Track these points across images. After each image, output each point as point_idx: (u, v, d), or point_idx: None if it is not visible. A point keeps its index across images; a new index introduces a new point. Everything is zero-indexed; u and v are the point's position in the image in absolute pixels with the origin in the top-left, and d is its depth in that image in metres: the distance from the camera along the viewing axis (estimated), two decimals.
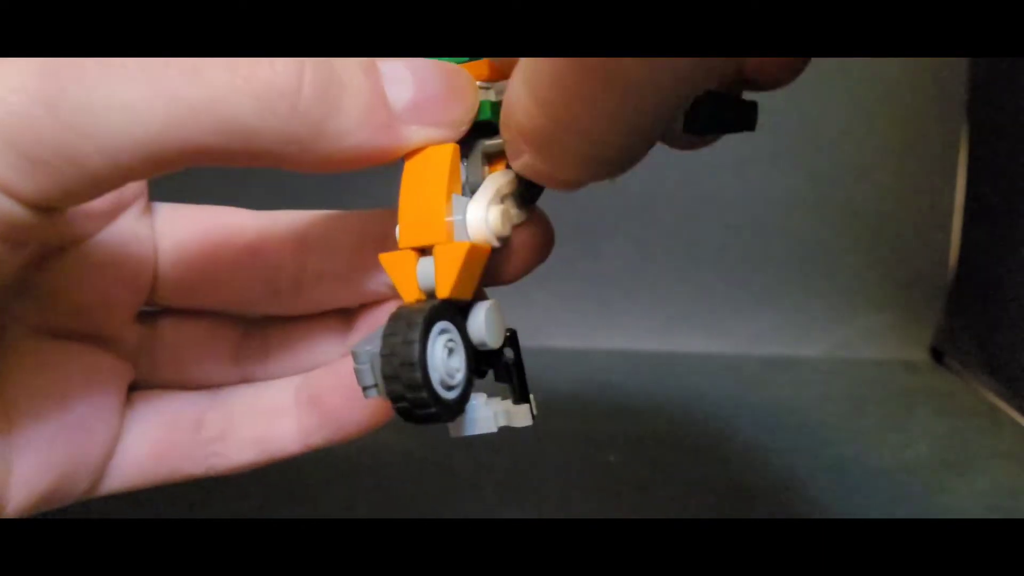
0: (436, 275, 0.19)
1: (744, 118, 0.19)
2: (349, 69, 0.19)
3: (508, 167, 0.20)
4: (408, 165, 0.19)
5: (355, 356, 0.18)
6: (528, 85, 0.17)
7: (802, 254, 0.58)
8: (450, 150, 0.19)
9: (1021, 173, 0.49)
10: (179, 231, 0.23)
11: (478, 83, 0.20)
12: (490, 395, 0.20)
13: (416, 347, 0.17)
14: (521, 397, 0.20)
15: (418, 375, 0.17)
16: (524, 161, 0.18)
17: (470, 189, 0.20)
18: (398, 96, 0.19)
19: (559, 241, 0.21)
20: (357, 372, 0.18)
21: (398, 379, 0.17)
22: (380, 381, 0.18)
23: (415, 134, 0.19)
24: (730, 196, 0.57)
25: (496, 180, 0.20)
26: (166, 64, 0.17)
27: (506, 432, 0.20)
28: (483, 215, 0.19)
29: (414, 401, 0.17)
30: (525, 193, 0.21)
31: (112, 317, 0.23)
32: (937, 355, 0.57)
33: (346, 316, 0.26)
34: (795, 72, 0.21)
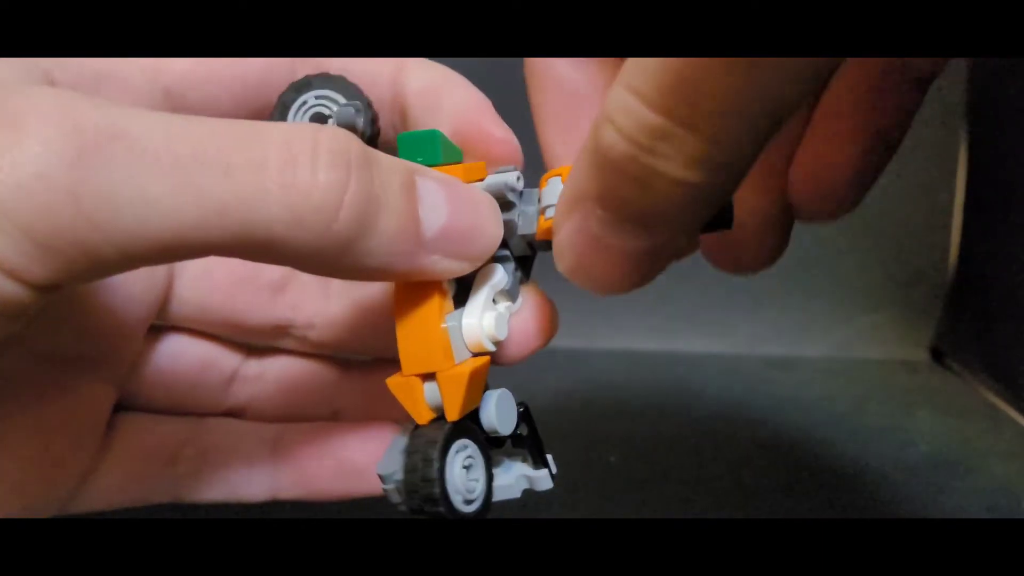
0: (444, 401, 0.19)
1: (725, 218, 0.20)
2: (390, 185, 0.18)
3: (495, 258, 0.21)
4: (398, 290, 0.20)
5: (382, 479, 0.20)
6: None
7: (802, 254, 0.58)
8: (434, 283, 0.19)
9: (1021, 173, 0.49)
10: None
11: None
12: (510, 457, 0.21)
13: (436, 485, 0.18)
14: (541, 463, 0.21)
15: (440, 509, 0.18)
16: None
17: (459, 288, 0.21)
18: (431, 221, 0.18)
19: None
20: (386, 492, 0.20)
21: (423, 512, 0.19)
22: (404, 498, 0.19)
23: (438, 264, 0.19)
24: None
25: (488, 281, 0.21)
26: (199, 158, 0.16)
27: None
28: (478, 324, 0.20)
29: (433, 515, 0.19)
30: (517, 281, 0.21)
31: (119, 337, 0.23)
32: (937, 355, 0.57)
33: (344, 367, 0.25)
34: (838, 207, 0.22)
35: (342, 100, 0.21)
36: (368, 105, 0.21)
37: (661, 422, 0.46)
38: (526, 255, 0.21)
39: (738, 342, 0.57)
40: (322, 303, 0.25)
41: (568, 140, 0.22)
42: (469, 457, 0.19)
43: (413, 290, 0.19)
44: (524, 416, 0.21)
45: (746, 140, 0.15)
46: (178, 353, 0.25)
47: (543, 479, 0.21)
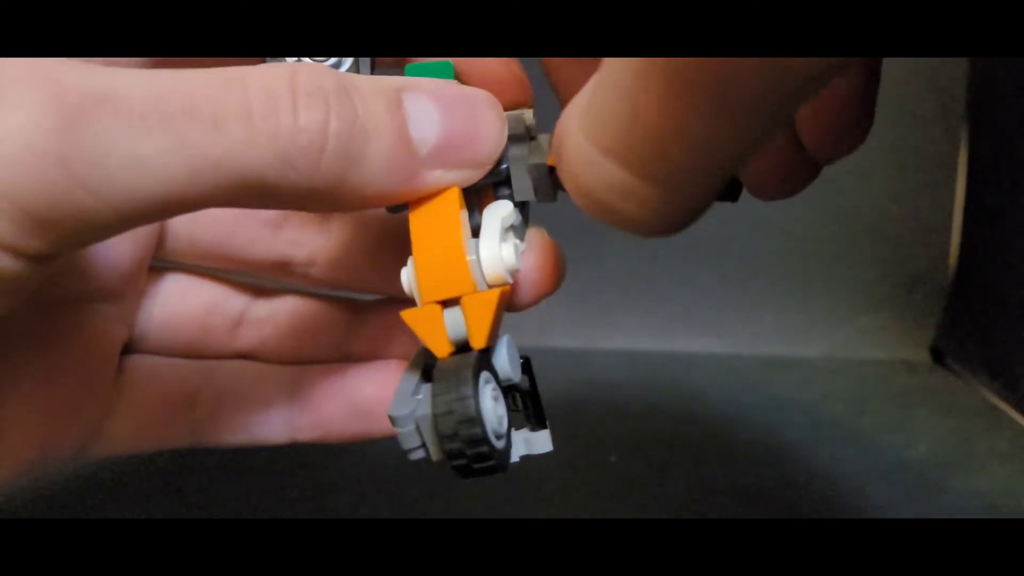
0: (469, 327, 0.18)
1: (733, 192, 0.19)
2: (373, 110, 0.17)
3: (498, 198, 0.20)
4: (414, 212, 0.19)
5: (396, 421, 0.18)
6: (626, 91, 0.14)
7: (802, 254, 0.58)
8: (456, 194, 0.19)
9: (1021, 173, 0.49)
10: None
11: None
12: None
13: (472, 402, 0.17)
14: (539, 423, 0.20)
15: (479, 430, 0.17)
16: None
17: (469, 226, 0.20)
18: (424, 137, 0.18)
19: (561, 242, 0.21)
20: (400, 436, 0.18)
21: (457, 437, 0.17)
22: (431, 441, 0.18)
23: (440, 178, 0.18)
24: None
25: (498, 214, 0.20)
26: (186, 114, 0.16)
27: None
28: (497, 253, 0.19)
29: (474, 456, 0.17)
30: (524, 218, 0.21)
31: (118, 275, 0.23)
32: (937, 355, 0.57)
33: (354, 307, 0.25)
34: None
35: None
36: None
37: (661, 422, 0.46)
38: (525, 201, 0.20)
39: (738, 342, 0.57)
40: (322, 239, 0.24)
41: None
42: (495, 390, 0.18)
43: (430, 214, 0.18)
44: (526, 369, 0.20)
45: (712, 179, 0.14)
46: (184, 293, 0.24)
47: (543, 441, 0.20)
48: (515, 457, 0.19)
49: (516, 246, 0.19)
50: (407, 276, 0.19)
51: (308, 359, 0.25)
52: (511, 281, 0.19)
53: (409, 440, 0.18)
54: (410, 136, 0.18)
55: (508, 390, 0.19)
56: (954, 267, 0.56)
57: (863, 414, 0.48)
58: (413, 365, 0.20)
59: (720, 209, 0.18)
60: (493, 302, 0.18)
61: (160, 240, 0.23)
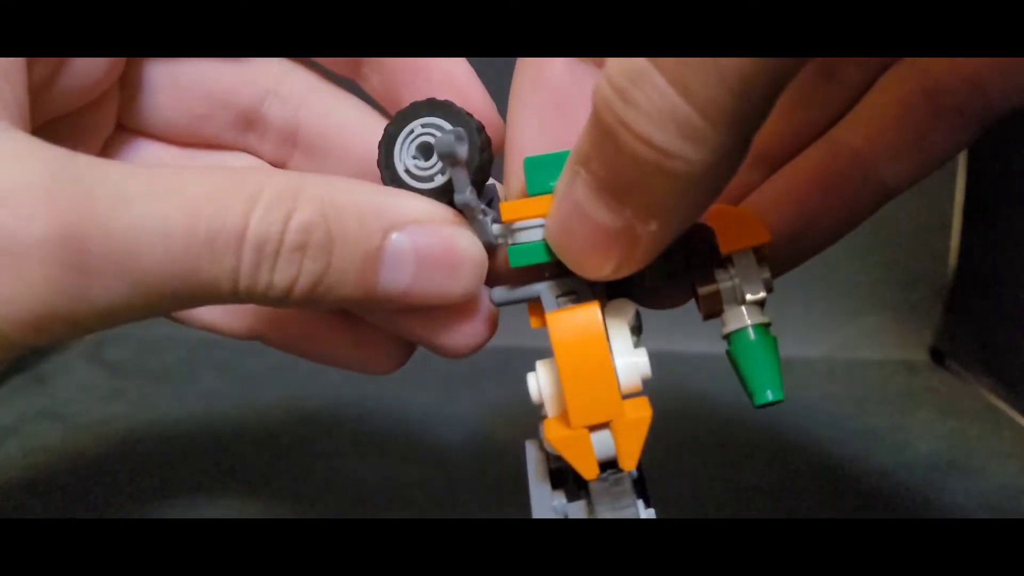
0: (621, 450, 0.19)
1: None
2: (347, 264, 0.19)
3: (609, 291, 0.21)
4: (554, 331, 0.19)
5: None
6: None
7: None
8: (596, 312, 0.19)
9: (1021, 174, 0.49)
10: None
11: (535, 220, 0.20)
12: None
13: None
14: (646, 499, 0.21)
15: None
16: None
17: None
18: (391, 286, 0.19)
19: None
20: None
21: None
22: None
23: (402, 302, 0.20)
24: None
25: (623, 317, 0.20)
26: (193, 273, 0.17)
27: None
28: (634, 364, 0.19)
29: None
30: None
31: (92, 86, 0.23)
32: (937, 355, 0.57)
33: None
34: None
35: (447, 127, 0.21)
36: (479, 129, 0.21)
37: (661, 422, 0.46)
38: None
39: None
40: (289, 149, 0.25)
41: (545, 131, 0.21)
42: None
43: (575, 341, 0.18)
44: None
45: (728, 111, 0.14)
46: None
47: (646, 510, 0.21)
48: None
49: (645, 351, 0.20)
50: (537, 384, 0.20)
51: None
52: (641, 389, 0.20)
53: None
54: (376, 284, 0.19)
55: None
56: (954, 268, 0.56)
57: (863, 414, 0.48)
58: (538, 474, 0.20)
59: None
60: (646, 424, 0.19)
61: (135, 111, 0.24)
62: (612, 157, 0.15)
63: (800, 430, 0.45)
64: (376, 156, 0.21)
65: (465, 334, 0.22)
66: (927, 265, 0.57)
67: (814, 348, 0.57)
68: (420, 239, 0.19)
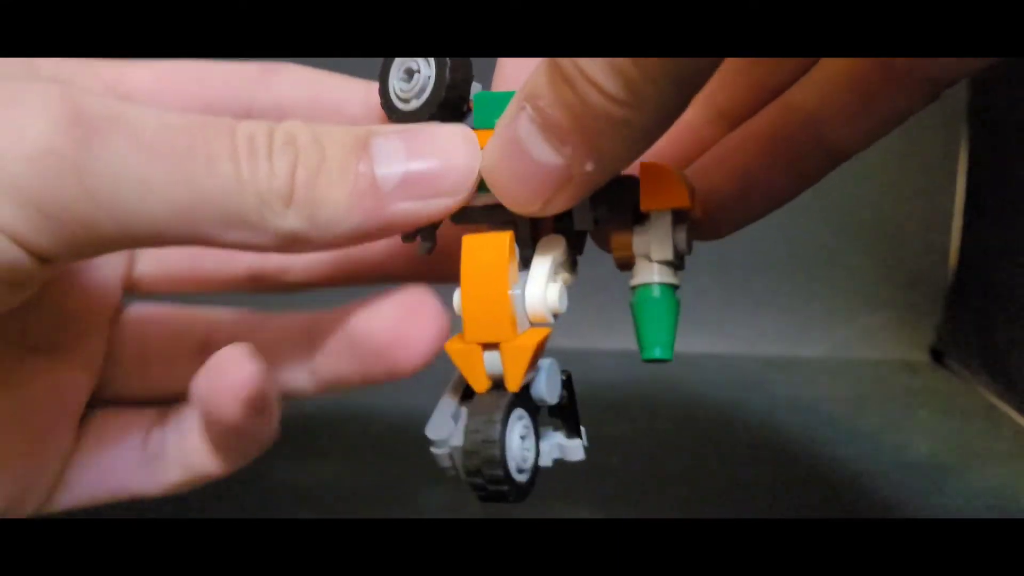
0: (505, 372, 0.19)
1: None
2: (339, 153, 0.19)
3: (556, 230, 0.21)
4: (465, 253, 0.19)
5: (433, 443, 0.20)
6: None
7: (802, 254, 0.58)
8: (506, 239, 0.19)
9: (1021, 174, 0.49)
10: None
11: None
12: (542, 426, 0.21)
13: (496, 448, 0.18)
14: (574, 433, 0.22)
15: (499, 472, 0.18)
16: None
17: (522, 261, 0.20)
18: (389, 173, 0.19)
19: None
20: (435, 456, 0.20)
21: (479, 474, 0.18)
22: (460, 471, 0.19)
23: (411, 210, 0.19)
24: None
25: (550, 252, 0.20)
26: (188, 150, 0.17)
27: None
28: (542, 294, 0.20)
29: (494, 492, 0.19)
30: (576, 253, 0.21)
31: (91, 322, 0.23)
32: (937, 355, 0.57)
33: (310, 335, 0.25)
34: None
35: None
36: (451, 68, 0.21)
37: (661, 422, 0.46)
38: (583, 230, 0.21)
39: (737, 342, 0.57)
40: None
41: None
42: (525, 427, 0.20)
43: (480, 255, 0.19)
44: (566, 384, 0.21)
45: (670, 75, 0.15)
46: (146, 328, 0.25)
47: (575, 449, 0.22)
48: (548, 461, 0.21)
49: (562, 287, 0.20)
50: (456, 300, 0.20)
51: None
52: (552, 321, 0.20)
53: (443, 461, 0.20)
54: (374, 174, 0.19)
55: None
56: (954, 268, 0.56)
57: (863, 414, 0.48)
58: (454, 387, 0.21)
59: None
60: (529, 352, 0.19)
61: (128, 274, 0.24)
62: (562, 97, 0.16)
63: (800, 430, 0.45)
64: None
65: (414, 340, 0.22)
66: (927, 265, 0.57)
67: (814, 348, 0.57)
68: (404, 129, 0.20)
